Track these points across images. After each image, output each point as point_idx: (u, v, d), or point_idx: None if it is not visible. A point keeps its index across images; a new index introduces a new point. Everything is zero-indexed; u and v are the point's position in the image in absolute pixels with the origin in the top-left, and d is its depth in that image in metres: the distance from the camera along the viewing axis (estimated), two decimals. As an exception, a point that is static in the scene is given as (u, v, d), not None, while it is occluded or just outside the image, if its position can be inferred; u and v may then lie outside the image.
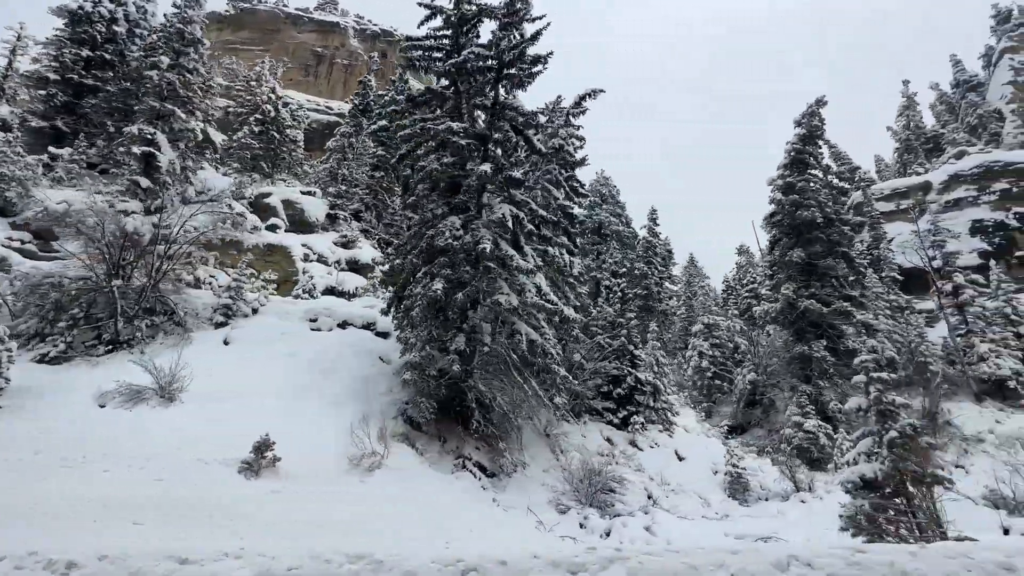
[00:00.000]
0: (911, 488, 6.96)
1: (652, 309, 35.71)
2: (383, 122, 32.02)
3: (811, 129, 25.49)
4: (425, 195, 13.18)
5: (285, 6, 70.77)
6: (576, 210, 16.23)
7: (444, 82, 13.94)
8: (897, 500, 7.13)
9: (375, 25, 73.79)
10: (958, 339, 25.73)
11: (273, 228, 22.55)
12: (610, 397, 16.48)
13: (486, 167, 11.39)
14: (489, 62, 12.82)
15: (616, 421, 16.03)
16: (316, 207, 26.08)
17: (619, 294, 29.96)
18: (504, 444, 10.70)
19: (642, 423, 16.24)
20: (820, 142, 25.88)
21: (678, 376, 28.02)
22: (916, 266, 34.88)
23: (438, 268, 11.13)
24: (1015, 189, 35.73)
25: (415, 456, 8.97)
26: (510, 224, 11.10)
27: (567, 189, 15.43)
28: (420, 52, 13.76)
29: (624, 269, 35.06)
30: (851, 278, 23.84)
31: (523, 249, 11.40)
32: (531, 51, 12.55)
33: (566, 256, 13.31)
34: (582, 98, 15.73)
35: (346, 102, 62.83)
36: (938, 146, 45.77)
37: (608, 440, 15.01)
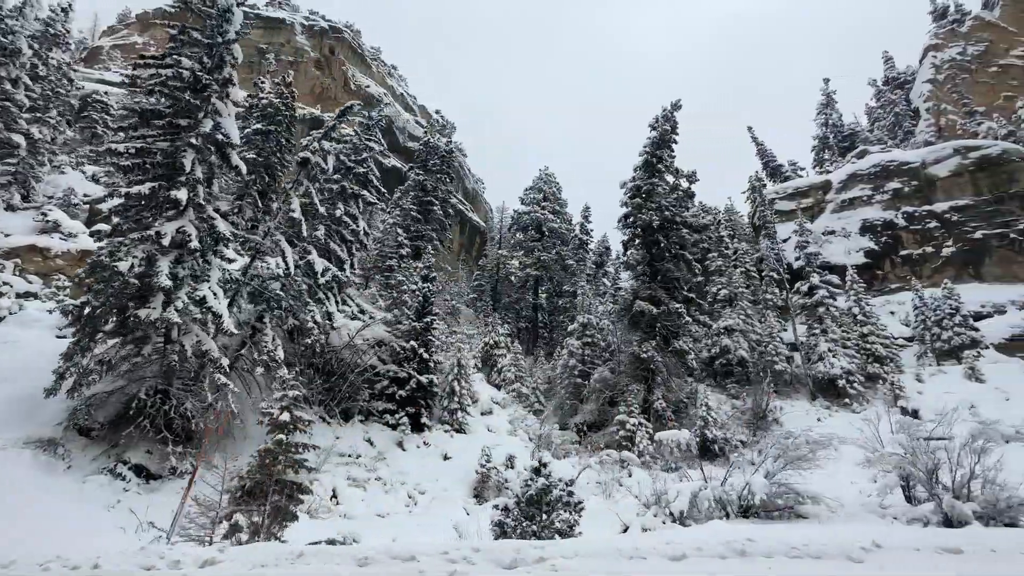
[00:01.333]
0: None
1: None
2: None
3: (663, 134, 25.93)
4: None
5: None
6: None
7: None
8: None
9: (325, 21, 73.75)
10: (802, 339, 26.39)
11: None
12: (393, 399, 17.09)
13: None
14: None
15: (392, 422, 16.64)
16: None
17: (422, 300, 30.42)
18: (184, 448, 11.31)
19: (417, 424, 16.88)
20: (673, 146, 26.29)
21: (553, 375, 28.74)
22: (805, 265, 35.43)
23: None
24: (906, 188, 36.27)
25: (43, 463, 9.60)
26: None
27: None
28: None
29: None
30: (692, 280, 24.41)
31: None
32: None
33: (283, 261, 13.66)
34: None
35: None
36: (854, 144, 46.20)
37: (369, 442, 15.63)
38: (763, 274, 32.55)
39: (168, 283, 10.17)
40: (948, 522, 9.37)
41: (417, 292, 19.41)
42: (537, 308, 48.81)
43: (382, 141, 24.52)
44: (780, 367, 25.38)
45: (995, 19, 54.91)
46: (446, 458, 16.08)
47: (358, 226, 17.65)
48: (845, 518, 10.24)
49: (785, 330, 29.36)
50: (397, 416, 16.70)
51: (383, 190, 22.91)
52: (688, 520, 10.23)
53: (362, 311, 18.87)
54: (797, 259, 31.01)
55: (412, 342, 17.81)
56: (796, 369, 25.92)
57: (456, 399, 18.23)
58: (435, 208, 40.91)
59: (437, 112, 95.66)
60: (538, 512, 7.43)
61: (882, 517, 9.87)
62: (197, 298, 10.73)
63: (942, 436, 19.60)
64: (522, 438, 19.63)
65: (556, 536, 7.29)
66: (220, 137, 11.95)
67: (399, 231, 39.37)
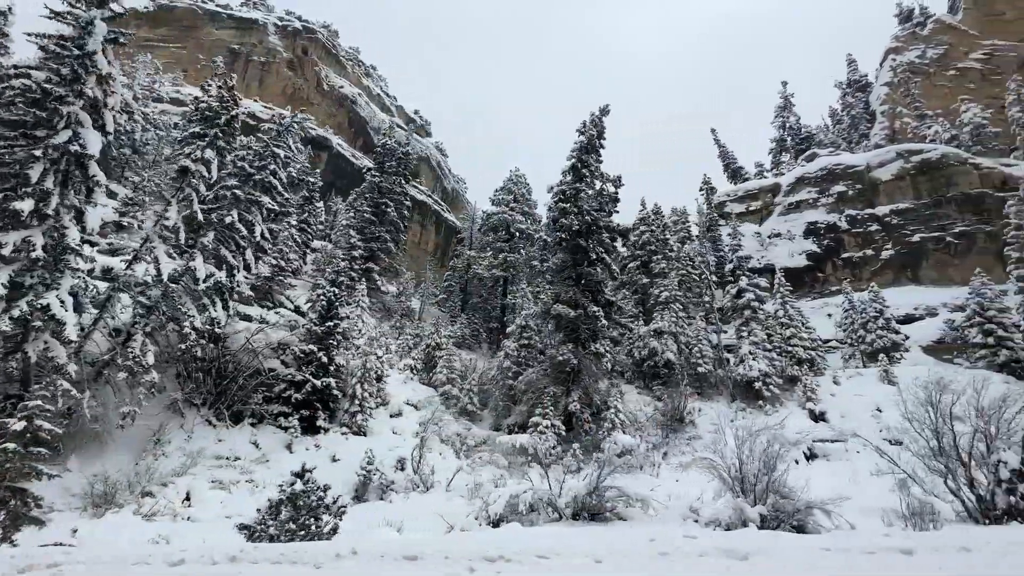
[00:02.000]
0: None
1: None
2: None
3: (590, 139, 26.26)
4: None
5: (205, 3, 70.69)
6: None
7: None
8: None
9: (299, 21, 73.83)
10: (731, 342, 26.77)
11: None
12: (288, 402, 17.39)
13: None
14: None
15: (285, 425, 16.95)
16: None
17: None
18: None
19: (312, 427, 17.20)
20: (600, 151, 26.61)
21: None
22: (751, 267, 35.81)
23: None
24: (850, 192, 36.68)
25: None
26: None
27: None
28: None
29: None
30: (610, 283, 24.74)
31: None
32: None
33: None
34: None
35: (255, 100, 63.30)
36: (810, 147, 46.61)
37: (255, 444, 15.94)
38: (702, 277, 32.90)
39: (2, 292, 10.44)
40: (745, 523, 9.74)
41: (322, 296, 19.67)
42: (504, 309, 49.10)
43: (294, 147, 24.62)
44: (703, 369, 25.75)
45: (956, 22, 55.37)
46: (334, 460, 16.39)
47: (254, 232, 17.87)
48: (659, 520, 10.59)
49: (725, 331, 29.81)
50: (290, 419, 16.99)
51: (287, 195, 23.07)
52: (508, 521, 10.55)
53: (273, 314, 19.13)
54: (730, 262, 31.40)
55: (312, 345, 18.10)
56: (720, 371, 26.29)
57: (357, 402, 18.52)
58: (389, 210, 41.13)
59: (416, 112, 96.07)
60: (297, 515, 7.74)
61: (684, 520, 10.21)
62: (40, 306, 10.99)
63: (836, 438, 20.05)
64: (433, 440, 19.96)
65: (315, 538, 7.60)
66: (76, 148, 12.20)
67: (351, 232, 39.66)
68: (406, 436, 19.51)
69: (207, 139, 16.19)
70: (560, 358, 23.01)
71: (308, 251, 42.36)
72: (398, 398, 22.00)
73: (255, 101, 61.87)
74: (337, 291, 19.65)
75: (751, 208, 39.81)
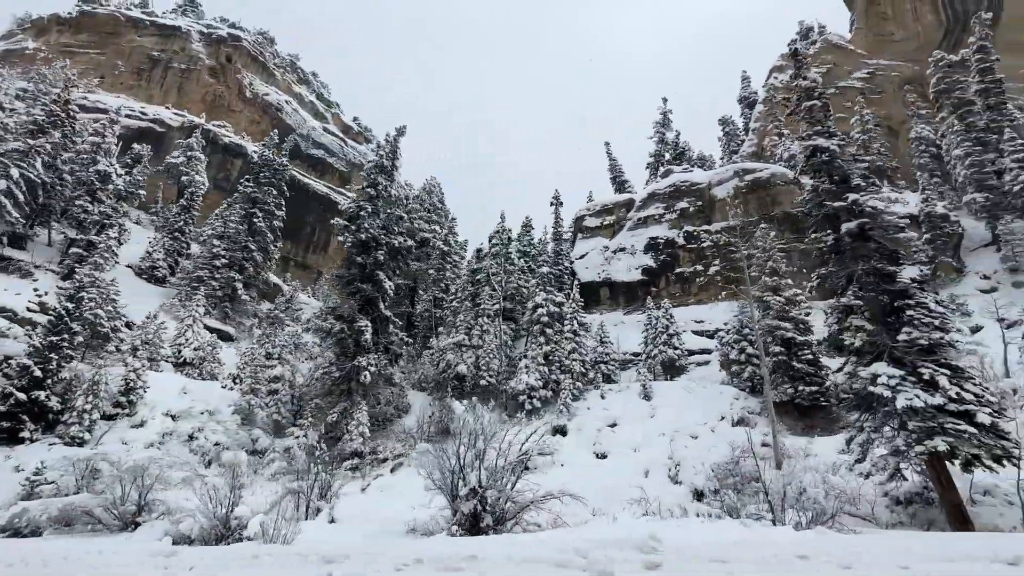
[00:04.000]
0: None
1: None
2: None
3: (381, 161, 27.29)
4: None
5: (129, 9, 71.33)
6: None
7: None
8: None
9: (227, 28, 74.56)
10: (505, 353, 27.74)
11: None
12: None
13: None
14: None
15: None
16: None
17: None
18: None
19: (15, 438, 18.02)
20: (395, 172, 27.61)
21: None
22: (593, 280, 37.02)
23: None
24: (692, 208, 37.83)
25: None
26: None
27: None
28: None
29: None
30: (390, 297, 25.67)
31: None
32: None
33: None
34: None
35: (167, 107, 63.95)
36: (683, 162, 47.84)
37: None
38: (525, 290, 33.88)
39: None
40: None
41: (58, 308, 20.45)
42: (411, 317, 49.88)
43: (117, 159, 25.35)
44: (484, 382, 26.72)
45: (844, 42, 56.94)
46: (17, 470, 17.18)
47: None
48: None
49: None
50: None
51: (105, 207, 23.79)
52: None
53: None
54: (548, 276, 32.41)
55: (30, 360, 18.91)
56: (496, 383, 27.26)
57: (75, 413, 19.32)
58: (258, 221, 41.87)
59: (355, 120, 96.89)
60: None
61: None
62: None
63: (543, 451, 20.97)
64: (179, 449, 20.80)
65: None
66: None
67: (215, 243, 40.37)
68: (135, 446, 20.32)
69: None
70: (322, 371, 23.96)
71: (180, 259, 43.09)
72: (158, 409, 22.80)
73: (166, 108, 62.55)
74: (70, 306, 20.43)
75: (605, 223, 40.90)
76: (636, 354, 30.68)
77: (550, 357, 26.67)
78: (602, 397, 25.42)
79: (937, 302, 12.11)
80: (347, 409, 23.54)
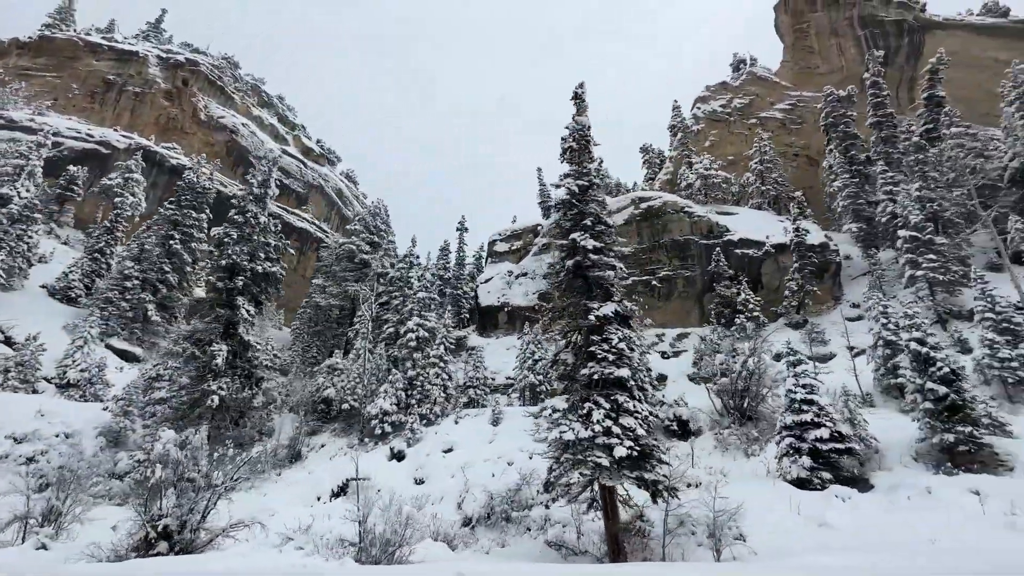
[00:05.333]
0: None
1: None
2: None
3: (255, 188, 28.13)
4: None
5: (89, 34, 73.26)
6: None
7: None
8: None
9: (187, 53, 76.48)
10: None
11: None
12: None
13: None
14: None
15: None
16: None
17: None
18: None
19: None
20: (266, 200, 28.43)
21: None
22: (492, 305, 37.66)
23: None
24: (592, 235, 38.64)
25: None
26: None
27: None
28: None
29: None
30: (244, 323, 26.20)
31: None
32: None
33: None
34: None
35: (115, 129, 65.21)
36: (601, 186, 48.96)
37: None
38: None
39: None
40: None
41: None
42: (348, 341, 50.33)
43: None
44: (346, 406, 27.10)
45: (769, 75, 58.83)
46: None
47: None
48: None
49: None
50: None
51: None
52: None
53: None
54: (439, 300, 33.00)
55: None
56: (359, 407, 27.62)
57: None
58: (174, 243, 42.47)
59: (319, 142, 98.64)
60: None
61: None
62: None
63: (362, 477, 21.30)
64: None
65: None
66: None
67: (128, 264, 40.92)
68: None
69: None
70: (172, 395, 24.35)
71: (98, 279, 43.58)
72: (2, 431, 23.05)
73: (114, 130, 63.78)
74: None
75: (513, 247, 41.72)
76: (512, 379, 31.17)
77: (414, 381, 27.11)
78: (455, 422, 25.77)
79: (624, 338, 12.72)
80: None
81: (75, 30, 74.02)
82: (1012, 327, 18.69)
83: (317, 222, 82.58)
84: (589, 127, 17.30)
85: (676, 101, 59.56)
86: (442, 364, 27.85)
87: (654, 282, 34.84)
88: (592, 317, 12.82)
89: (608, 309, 13.01)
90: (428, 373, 27.32)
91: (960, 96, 53.41)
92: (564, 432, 11.21)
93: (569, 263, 14.01)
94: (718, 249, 33.83)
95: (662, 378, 29.36)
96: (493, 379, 31.38)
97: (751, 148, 50.92)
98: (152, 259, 41.84)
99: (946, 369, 14.55)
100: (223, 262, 25.98)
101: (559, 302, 14.36)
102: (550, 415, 11.46)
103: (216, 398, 23.97)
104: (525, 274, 38.86)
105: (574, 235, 14.19)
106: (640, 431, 11.33)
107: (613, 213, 38.83)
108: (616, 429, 11.17)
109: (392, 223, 54.44)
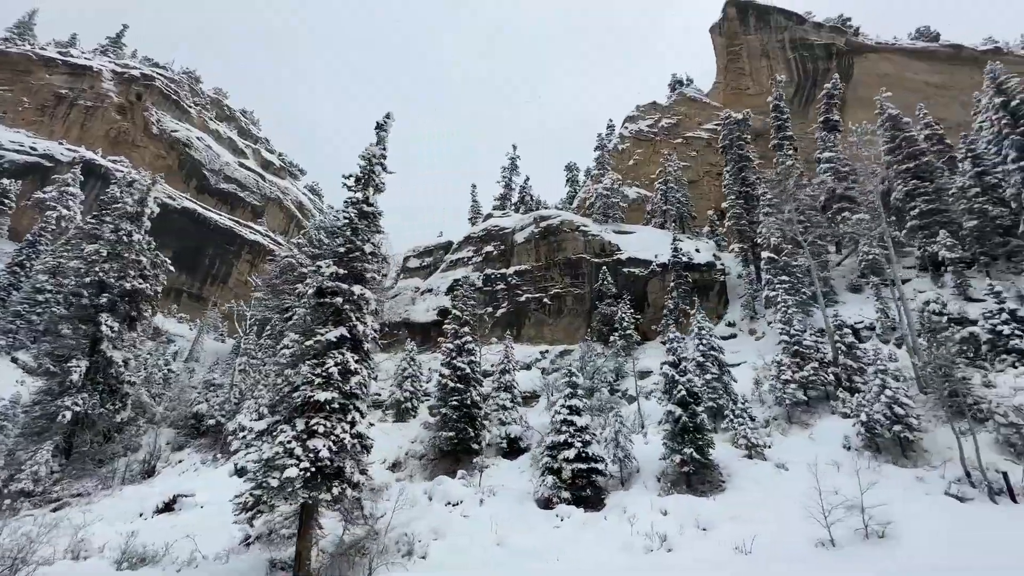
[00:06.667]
0: None
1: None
2: None
3: (129, 207, 28.73)
4: None
5: (44, 49, 74.29)
6: None
7: None
8: None
9: (138, 68, 77.49)
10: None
11: None
12: None
13: None
14: None
15: None
16: None
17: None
18: None
19: None
20: (143, 219, 29.00)
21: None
22: (394, 320, 38.10)
23: None
24: (496, 252, 39.45)
25: None
26: None
27: None
28: None
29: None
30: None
31: None
32: None
33: None
34: None
35: (60, 143, 65.89)
36: (532, 205, 49.78)
37: None
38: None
39: None
40: None
41: None
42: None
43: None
44: (212, 421, 27.48)
45: (700, 96, 60.21)
46: None
47: None
48: None
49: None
50: None
51: None
52: None
53: None
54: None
55: None
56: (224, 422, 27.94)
57: None
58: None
59: (281, 156, 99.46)
60: None
61: None
62: None
63: (186, 494, 21.59)
64: None
65: None
66: None
67: (40, 279, 41.29)
68: None
69: None
70: (24, 411, 24.68)
71: (16, 293, 43.89)
72: None
73: (59, 143, 64.47)
74: None
75: (424, 264, 42.40)
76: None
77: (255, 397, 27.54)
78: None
79: (340, 363, 13.29)
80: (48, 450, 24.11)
81: (31, 44, 75.02)
82: (802, 350, 19.36)
83: (272, 234, 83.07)
84: (382, 156, 17.98)
85: (611, 120, 60.86)
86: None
87: (546, 300, 35.50)
88: (313, 341, 13.40)
89: (333, 334, 13.60)
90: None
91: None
92: (253, 452, 11.71)
93: (310, 290, 14.60)
94: (605, 268, 34.57)
95: (535, 396, 29.86)
96: (378, 395, 31.77)
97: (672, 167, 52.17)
98: (67, 273, 42.26)
99: (683, 392, 15.18)
100: (88, 279, 26.48)
101: (305, 325, 14.91)
102: (243, 436, 11.97)
103: (69, 413, 24.28)
104: (430, 290, 39.46)
105: (320, 262, 14.78)
106: (324, 452, 11.86)
107: (516, 231, 39.67)
108: (299, 451, 11.70)
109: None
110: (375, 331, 15.02)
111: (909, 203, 28.12)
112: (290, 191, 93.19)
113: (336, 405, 12.79)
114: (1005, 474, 12.22)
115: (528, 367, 32.67)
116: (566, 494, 14.74)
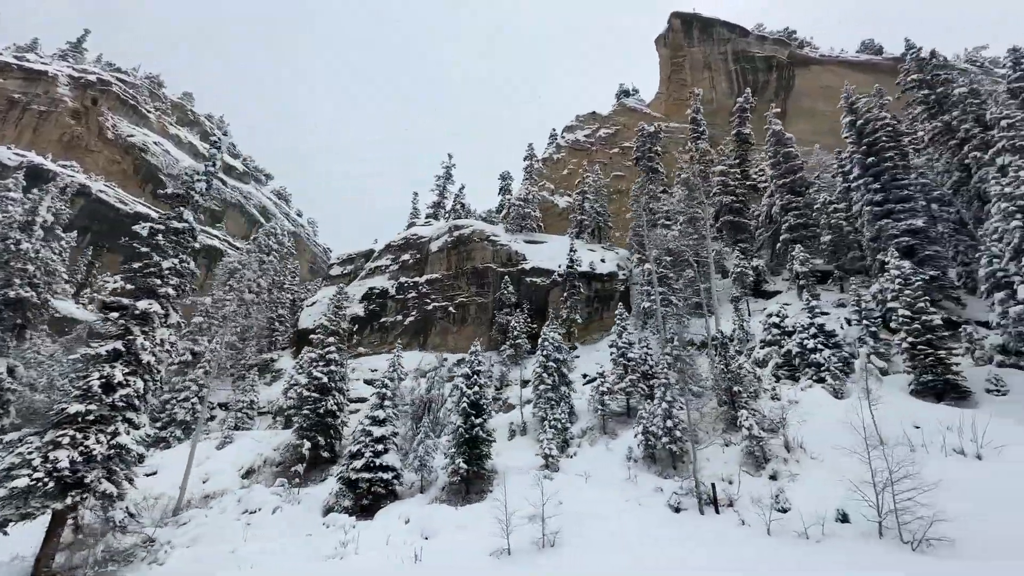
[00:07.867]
0: None
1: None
2: None
3: (24, 216, 29.07)
4: None
5: (0, 54, 74.57)
6: None
7: None
8: None
9: (94, 74, 77.81)
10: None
11: None
12: None
13: None
14: None
15: None
16: None
17: None
18: None
19: None
20: (33, 229, 29.34)
21: None
22: (308, 328, 38.58)
23: None
24: (411, 260, 40.00)
25: None
26: None
27: None
28: None
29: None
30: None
31: None
32: None
33: None
34: None
35: (9, 147, 66.07)
36: (462, 213, 50.36)
37: None
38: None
39: None
40: None
41: None
42: None
43: None
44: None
45: (641, 106, 61.14)
46: None
47: None
48: None
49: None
50: None
51: None
52: None
53: None
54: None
55: None
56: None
57: None
58: (15, 262, 43.20)
59: (245, 161, 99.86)
60: None
61: None
62: None
63: None
64: None
65: None
66: None
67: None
68: None
69: None
70: None
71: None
72: None
73: (7, 148, 64.70)
74: None
75: (345, 271, 42.91)
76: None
77: (165, 405, 27.96)
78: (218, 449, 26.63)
79: (104, 376, 13.80)
80: None
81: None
82: (626, 362, 20.00)
83: (230, 239, 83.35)
84: (205, 175, 18.55)
85: (554, 129, 61.58)
86: (196, 388, 28.75)
87: (451, 308, 36.07)
88: (80, 355, 13.91)
89: (105, 348, 14.11)
90: (179, 397, 28.21)
91: (834, 129, 55.86)
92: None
93: (97, 306, 15.08)
94: (507, 277, 35.19)
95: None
96: (273, 403, 32.16)
97: (608, 176, 52.92)
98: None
99: (465, 404, 15.76)
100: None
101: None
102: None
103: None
104: (348, 297, 39.90)
105: (107, 277, 15.27)
106: (64, 463, 12.38)
107: (433, 240, 40.25)
108: (37, 461, 12.21)
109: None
110: (167, 344, 15.52)
111: (783, 216, 28.91)
112: (252, 196, 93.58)
113: (92, 418, 13.29)
114: (713, 486, 12.83)
115: (424, 375, 33.19)
116: (347, 502, 15.25)
